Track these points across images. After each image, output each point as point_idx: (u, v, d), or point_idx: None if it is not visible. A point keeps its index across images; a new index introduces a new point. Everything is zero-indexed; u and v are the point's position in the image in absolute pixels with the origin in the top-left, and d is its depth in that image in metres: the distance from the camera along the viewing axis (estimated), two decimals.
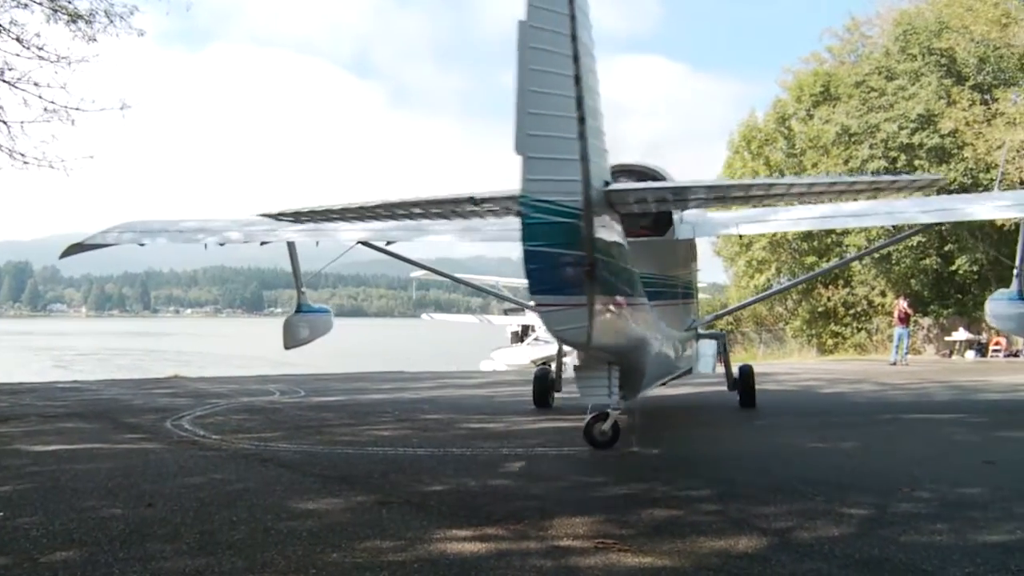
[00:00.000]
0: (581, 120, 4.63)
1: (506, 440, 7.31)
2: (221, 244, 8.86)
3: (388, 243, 9.21)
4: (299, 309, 10.96)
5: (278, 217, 6.26)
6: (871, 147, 25.72)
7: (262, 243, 8.90)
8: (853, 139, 26.44)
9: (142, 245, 9.16)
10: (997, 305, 10.06)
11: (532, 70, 4.56)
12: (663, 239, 7.79)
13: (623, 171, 7.60)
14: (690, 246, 8.95)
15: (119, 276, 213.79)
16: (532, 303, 5.30)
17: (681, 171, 8.43)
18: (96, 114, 13.21)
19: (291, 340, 10.64)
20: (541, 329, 25.71)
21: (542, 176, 4.65)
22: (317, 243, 8.96)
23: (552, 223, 4.70)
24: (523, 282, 5.20)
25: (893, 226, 13.77)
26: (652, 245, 7.48)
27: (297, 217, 6.18)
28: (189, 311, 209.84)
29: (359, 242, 9.06)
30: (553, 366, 10.63)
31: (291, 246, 10.19)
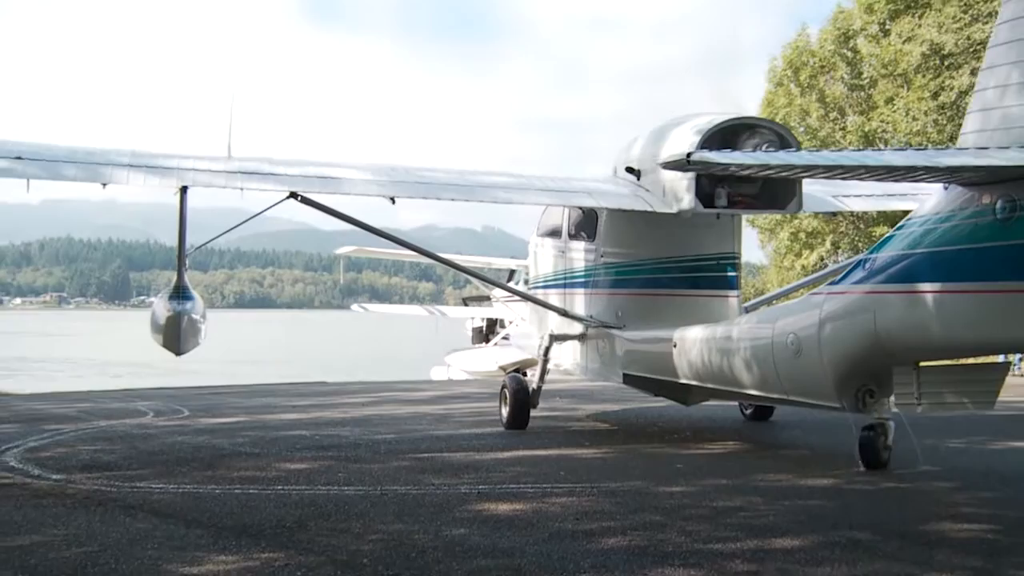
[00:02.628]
0: None
1: (466, 474, 7.37)
2: (104, 185, 8.45)
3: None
4: (181, 293, 10.17)
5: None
6: (975, 73, 25.73)
7: (183, 189, 8.54)
8: (948, 62, 26.62)
9: None
10: None
11: None
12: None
13: (746, 125, 8.62)
14: None
15: None
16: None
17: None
18: None
19: (180, 337, 9.90)
20: (513, 325, 25.79)
21: None
22: (242, 191, 8.74)
23: None
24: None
25: None
26: None
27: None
28: (18, 300, 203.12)
29: (291, 194, 8.91)
30: (532, 374, 10.67)
31: (183, 196, 9.58)
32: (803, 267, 29.15)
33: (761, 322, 8.22)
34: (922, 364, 6.99)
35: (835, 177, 7.63)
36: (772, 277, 32.47)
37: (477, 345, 30.80)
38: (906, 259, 6.73)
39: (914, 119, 26.02)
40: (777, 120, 27.60)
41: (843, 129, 28.21)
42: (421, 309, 40.68)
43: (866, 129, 27.30)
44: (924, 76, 27.44)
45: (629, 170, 9.42)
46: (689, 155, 5.98)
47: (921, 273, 6.59)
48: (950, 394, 7.07)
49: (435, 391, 16.91)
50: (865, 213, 28.78)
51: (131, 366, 39.33)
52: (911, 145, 26.24)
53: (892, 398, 7.30)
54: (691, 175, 8.35)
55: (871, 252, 7.21)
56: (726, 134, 8.51)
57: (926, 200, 6.85)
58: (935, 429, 9.19)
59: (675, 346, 8.91)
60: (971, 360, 7.94)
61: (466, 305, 34.38)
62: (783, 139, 8.62)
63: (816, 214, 28.98)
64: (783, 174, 7.59)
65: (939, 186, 6.60)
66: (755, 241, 33.89)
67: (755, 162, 6.53)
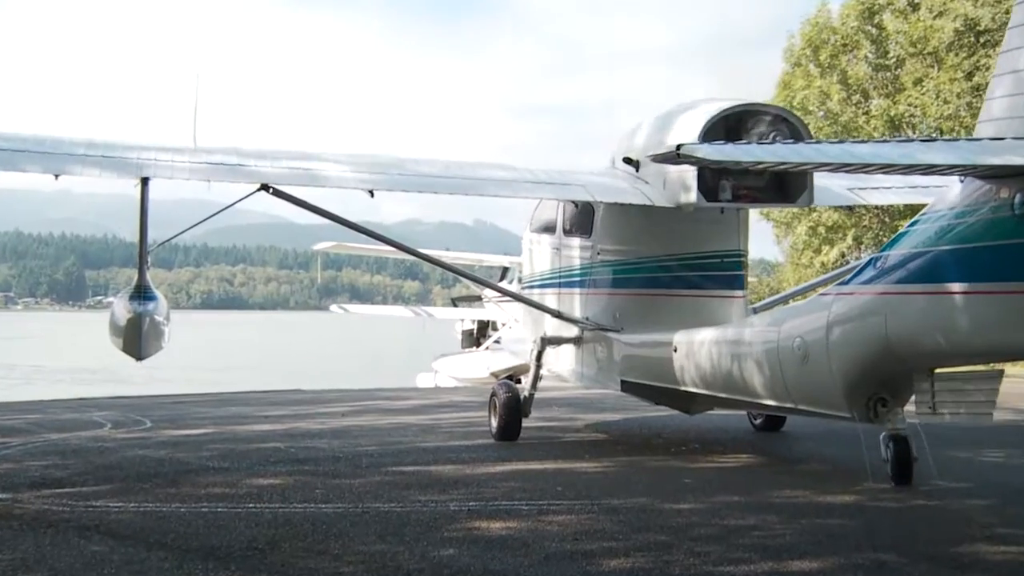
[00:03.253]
0: None
1: (454, 490, 7.38)
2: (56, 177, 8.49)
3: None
4: (142, 293, 10.10)
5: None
6: None
7: (142, 179, 8.54)
8: (983, 39, 26.59)
9: None
10: None
11: None
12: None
13: (751, 112, 8.69)
14: None
15: None
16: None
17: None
18: None
19: (142, 341, 9.85)
20: (506, 327, 25.79)
21: None
22: (209, 183, 8.78)
23: None
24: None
25: None
26: None
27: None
28: None
29: (263, 186, 8.93)
30: (525, 381, 10.69)
31: (144, 188, 9.57)
32: (822, 264, 29.15)
33: (766, 325, 8.29)
34: (937, 371, 7.04)
35: (851, 172, 7.68)
36: (789, 275, 32.50)
37: (467, 349, 30.78)
38: (920, 257, 6.77)
39: (945, 102, 26.03)
40: (795, 104, 27.65)
41: (867, 113, 28.23)
42: (406, 310, 40.70)
43: (892, 113, 27.31)
44: (957, 55, 27.31)
45: (627, 161, 9.47)
46: (679, 147, 6.02)
47: (935, 273, 6.62)
48: (965, 403, 7.12)
49: (421, 399, 16.90)
50: (890, 206, 28.76)
51: (87, 372, 39.27)
52: (942, 132, 26.29)
53: (907, 407, 7.35)
54: (694, 166, 8.41)
55: (883, 250, 7.25)
56: (731, 122, 8.55)
57: (943, 193, 6.88)
58: (971, 441, 9.24)
59: (676, 350, 8.96)
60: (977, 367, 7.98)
61: (455, 306, 34.39)
62: (793, 127, 8.65)
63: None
64: (785, 168, 7.62)
65: (956, 178, 6.64)
66: (771, 236, 33.88)
67: (749, 158, 6.57)
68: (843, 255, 29.64)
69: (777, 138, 8.28)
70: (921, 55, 28.56)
